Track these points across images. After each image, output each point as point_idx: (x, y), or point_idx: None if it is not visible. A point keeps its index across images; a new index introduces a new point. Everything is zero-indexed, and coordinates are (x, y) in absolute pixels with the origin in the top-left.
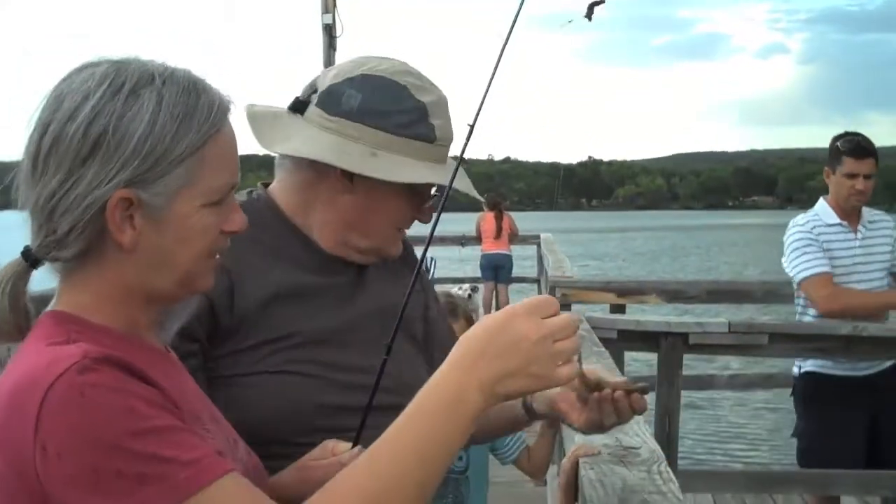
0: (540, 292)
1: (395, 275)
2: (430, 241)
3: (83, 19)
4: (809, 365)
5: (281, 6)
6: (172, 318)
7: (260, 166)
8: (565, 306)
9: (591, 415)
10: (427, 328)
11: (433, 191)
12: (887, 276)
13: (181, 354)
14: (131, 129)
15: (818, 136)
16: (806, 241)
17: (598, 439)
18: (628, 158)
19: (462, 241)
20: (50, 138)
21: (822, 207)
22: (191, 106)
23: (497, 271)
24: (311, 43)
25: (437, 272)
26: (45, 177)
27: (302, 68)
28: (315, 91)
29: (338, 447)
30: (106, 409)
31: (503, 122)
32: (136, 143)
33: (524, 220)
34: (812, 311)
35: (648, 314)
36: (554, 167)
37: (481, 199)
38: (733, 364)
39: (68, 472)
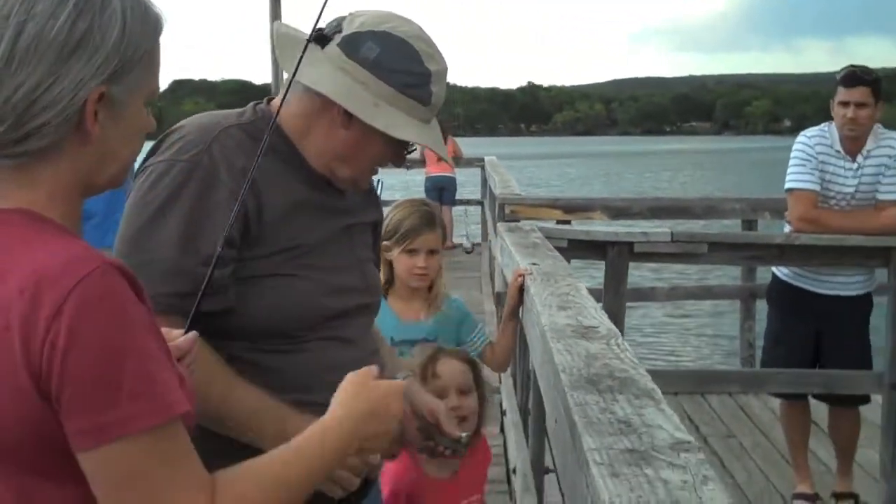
0: (484, 213)
1: (363, 200)
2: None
3: None
4: (779, 269)
5: None
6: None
7: (194, 91)
8: (514, 221)
9: (419, 441)
10: (374, 237)
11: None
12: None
13: (225, 261)
14: (111, 26)
15: (756, 62)
16: (805, 156)
17: (560, 319)
18: (567, 84)
19: (407, 164)
20: (29, 36)
21: (833, 129)
22: (145, 11)
23: (441, 193)
24: None
25: (383, 195)
26: (22, 73)
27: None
28: (339, 31)
29: (171, 333)
30: (120, 318)
31: (440, 47)
32: (115, 40)
33: (462, 146)
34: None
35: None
36: (493, 92)
37: (448, 160)
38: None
39: (71, 371)
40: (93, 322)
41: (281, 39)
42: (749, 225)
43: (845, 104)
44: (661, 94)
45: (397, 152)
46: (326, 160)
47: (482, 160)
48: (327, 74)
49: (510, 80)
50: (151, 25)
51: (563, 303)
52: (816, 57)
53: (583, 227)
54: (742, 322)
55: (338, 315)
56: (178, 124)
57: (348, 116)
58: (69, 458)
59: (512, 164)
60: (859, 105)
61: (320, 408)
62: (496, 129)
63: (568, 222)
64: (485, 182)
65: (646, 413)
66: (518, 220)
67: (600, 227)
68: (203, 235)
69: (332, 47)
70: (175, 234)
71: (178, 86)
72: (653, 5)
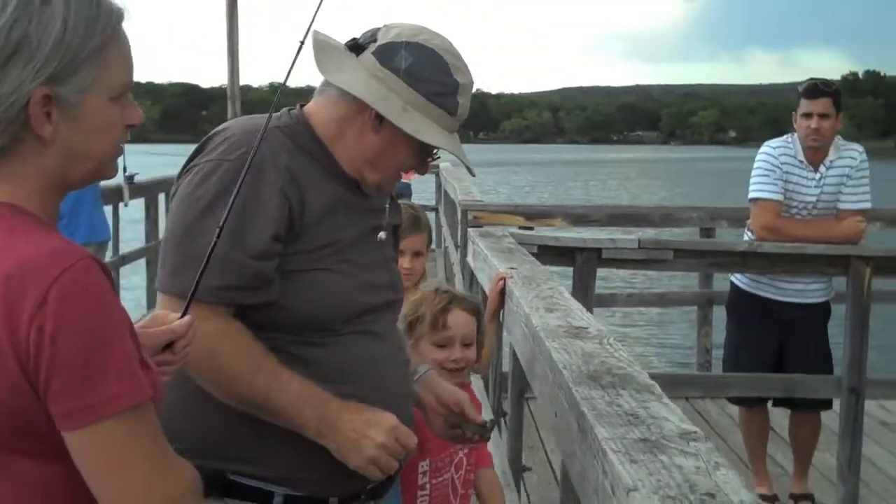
0: (438, 218)
1: (385, 203)
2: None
3: None
4: (737, 278)
5: None
6: (259, 220)
7: (142, 94)
8: (477, 227)
9: (446, 430)
10: (395, 238)
11: (435, 152)
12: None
13: (271, 255)
14: (48, 31)
15: (703, 73)
16: (769, 166)
17: (550, 320)
18: (516, 91)
19: None
20: None
21: (796, 140)
22: (93, 11)
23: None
24: None
25: None
26: None
27: None
28: (374, 41)
29: (168, 317)
30: (102, 307)
31: None
32: (53, 44)
33: None
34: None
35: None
36: None
37: (473, 172)
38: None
39: (60, 355)
40: (77, 309)
41: (319, 45)
42: (707, 233)
43: (808, 116)
44: (608, 104)
45: (422, 159)
46: (357, 165)
47: (437, 166)
48: (362, 80)
49: None
50: (101, 21)
51: (549, 305)
52: (763, 68)
53: (551, 233)
54: (699, 328)
55: (369, 310)
56: (221, 126)
57: (379, 121)
58: (50, 437)
59: (454, 172)
60: (822, 116)
61: (354, 399)
62: None
63: (530, 228)
64: (440, 187)
65: (651, 406)
66: (481, 227)
67: (568, 234)
68: (251, 230)
69: (367, 55)
70: (224, 228)
71: None
72: (601, 15)
